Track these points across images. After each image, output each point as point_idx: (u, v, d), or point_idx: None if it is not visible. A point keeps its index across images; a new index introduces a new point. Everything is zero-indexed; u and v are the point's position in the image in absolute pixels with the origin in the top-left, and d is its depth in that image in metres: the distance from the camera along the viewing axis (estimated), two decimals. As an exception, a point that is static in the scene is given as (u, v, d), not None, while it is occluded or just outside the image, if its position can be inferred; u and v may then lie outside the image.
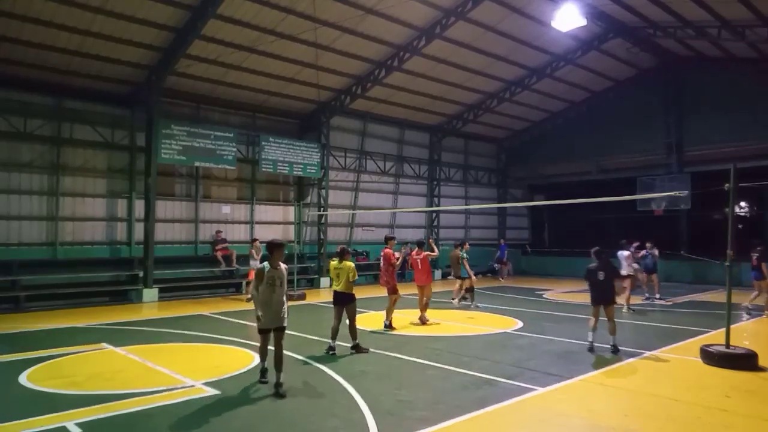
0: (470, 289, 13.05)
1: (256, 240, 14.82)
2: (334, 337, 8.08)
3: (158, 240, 14.84)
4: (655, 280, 14.14)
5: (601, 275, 8.14)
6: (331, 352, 7.94)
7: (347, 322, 8.12)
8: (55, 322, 10.78)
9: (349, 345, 8.15)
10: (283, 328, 6.33)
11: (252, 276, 14.39)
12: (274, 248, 6.32)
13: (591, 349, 8.08)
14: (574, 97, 22.43)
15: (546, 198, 24.15)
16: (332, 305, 8.23)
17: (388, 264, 10.18)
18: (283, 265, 6.33)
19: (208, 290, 15.90)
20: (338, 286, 8.10)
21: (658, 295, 14.25)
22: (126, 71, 13.90)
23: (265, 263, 6.27)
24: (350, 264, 8.10)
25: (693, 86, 20.11)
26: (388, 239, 10.62)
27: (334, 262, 8.27)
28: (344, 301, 8.08)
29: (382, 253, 10.56)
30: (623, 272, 12.54)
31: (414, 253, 11.26)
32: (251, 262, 14.14)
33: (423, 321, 10.68)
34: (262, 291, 6.17)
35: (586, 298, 15.18)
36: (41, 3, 11.13)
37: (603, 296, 8.17)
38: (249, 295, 14.54)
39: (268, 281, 6.16)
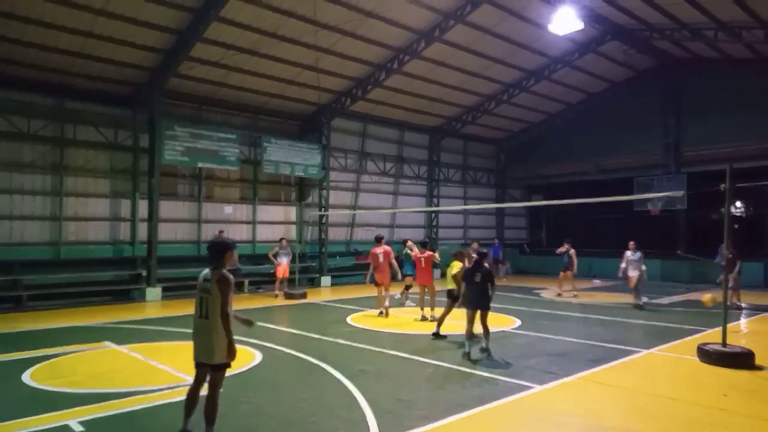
0: (408, 287, 13.16)
1: (283, 239, 15.51)
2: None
3: (161, 239, 14.90)
4: (570, 276, 15.42)
5: (477, 277, 7.68)
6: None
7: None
8: (58, 321, 10.84)
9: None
10: (221, 366, 4.42)
11: (281, 273, 14.85)
12: (213, 249, 4.61)
13: (469, 357, 7.56)
14: (571, 99, 22.50)
15: (544, 198, 24.21)
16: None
17: (388, 260, 11.37)
18: (219, 272, 4.45)
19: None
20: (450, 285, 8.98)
21: (568, 290, 15.47)
22: (128, 73, 13.97)
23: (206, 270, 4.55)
24: (456, 264, 8.89)
25: (690, 87, 20.19)
26: (380, 238, 11.84)
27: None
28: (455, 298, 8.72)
29: (383, 251, 11.50)
30: (630, 273, 12.86)
31: (419, 252, 11.58)
32: (279, 259, 14.97)
33: (434, 319, 10.88)
34: (195, 305, 4.48)
35: (584, 298, 15.32)
36: (43, 4, 11.20)
37: (479, 300, 7.70)
38: (276, 292, 14.80)
39: (198, 292, 4.47)
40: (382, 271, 11.42)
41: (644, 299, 13.13)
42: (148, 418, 5.26)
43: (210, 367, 4.40)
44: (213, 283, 4.35)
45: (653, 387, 6.31)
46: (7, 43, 12.06)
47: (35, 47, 12.33)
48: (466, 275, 7.95)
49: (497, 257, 21.50)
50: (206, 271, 4.51)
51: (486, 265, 7.97)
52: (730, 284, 12.78)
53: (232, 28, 13.27)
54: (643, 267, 12.84)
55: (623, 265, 13.14)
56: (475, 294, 7.79)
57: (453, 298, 8.90)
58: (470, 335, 7.79)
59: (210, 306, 4.35)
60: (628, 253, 13.10)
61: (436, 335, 9.00)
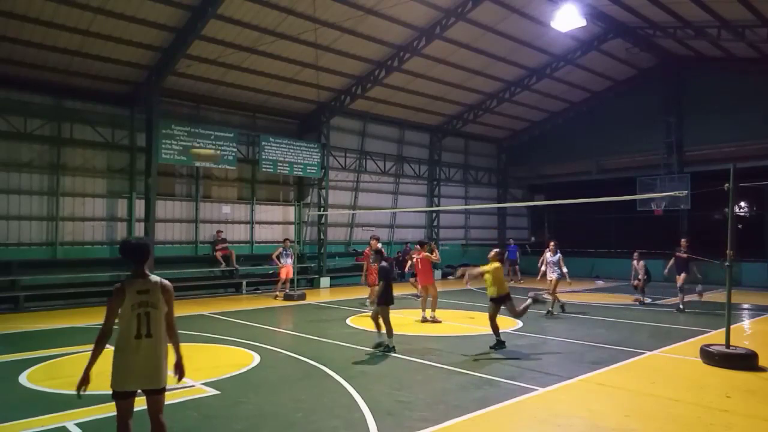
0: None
1: (287, 240, 15.46)
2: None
3: (158, 240, 14.86)
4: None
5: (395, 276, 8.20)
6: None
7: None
8: (55, 322, 10.78)
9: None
10: (163, 390, 3.84)
11: (285, 274, 14.71)
12: (146, 250, 3.84)
13: (379, 347, 7.99)
14: (574, 97, 22.43)
15: (546, 198, 24.15)
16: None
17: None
18: (158, 280, 3.79)
19: (208, 290, 15.91)
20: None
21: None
22: (126, 71, 13.90)
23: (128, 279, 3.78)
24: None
25: (693, 86, 20.10)
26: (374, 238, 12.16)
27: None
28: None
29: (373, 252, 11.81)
30: (554, 276, 11.96)
31: (416, 253, 11.76)
32: (284, 260, 14.91)
33: (434, 320, 10.92)
34: (123, 323, 3.68)
35: (585, 298, 15.26)
36: (41, 3, 11.14)
37: (391, 297, 8.11)
38: (276, 293, 14.75)
39: (135, 306, 3.68)
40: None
41: (548, 304, 12.22)
42: (145, 419, 5.18)
43: (156, 392, 3.78)
44: (158, 294, 3.71)
45: (655, 388, 6.25)
46: (5, 42, 11.99)
47: (33, 46, 12.26)
48: (390, 274, 8.20)
49: (514, 258, 20.53)
50: (131, 280, 3.71)
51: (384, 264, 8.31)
52: (679, 284, 12.51)
53: (231, 26, 13.20)
54: (565, 269, 12.03)
55: (543, 267, 12.34)
56: (390, 292, 8.09)
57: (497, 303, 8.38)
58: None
59: (154, 322, 3.69)
60: (548, 254, 12.26)
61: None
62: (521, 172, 25.55)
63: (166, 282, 3.81)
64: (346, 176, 19.99)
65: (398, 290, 16.06)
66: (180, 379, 3.97)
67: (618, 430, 4.95)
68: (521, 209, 26.79)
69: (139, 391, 3.80)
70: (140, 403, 5.47)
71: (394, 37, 15.50)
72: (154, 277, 3.78)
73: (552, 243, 12.47)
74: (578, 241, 22.76)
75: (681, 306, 12.58)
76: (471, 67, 18.00)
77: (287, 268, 14.88)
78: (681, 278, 12.52)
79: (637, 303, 13.91)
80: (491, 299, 8.31)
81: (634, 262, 13.89)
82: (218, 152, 7.73)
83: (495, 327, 8.22)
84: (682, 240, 12.92)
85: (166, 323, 3.81)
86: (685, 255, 12.47)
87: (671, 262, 12.94)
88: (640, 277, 13.83)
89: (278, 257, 14.96)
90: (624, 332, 10.01)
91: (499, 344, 8.17)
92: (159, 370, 3.73)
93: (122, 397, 3.74)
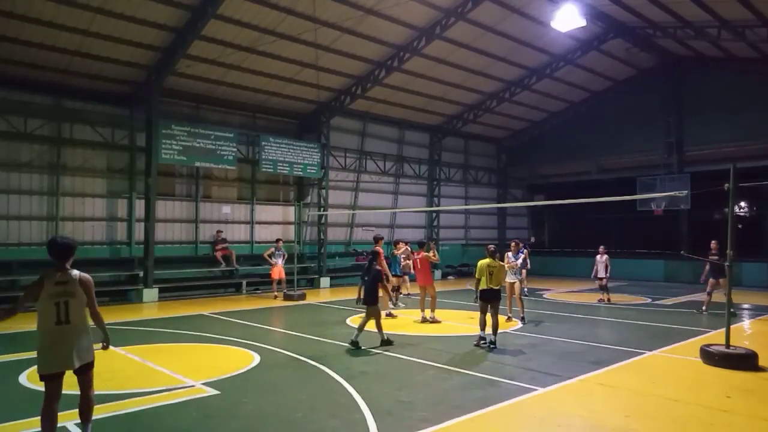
0: (396, 289, 13.26)
1: (279, 240, 15.46)
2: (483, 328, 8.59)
3: (158, 240, 14.84)
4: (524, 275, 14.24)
5: (367, 278, 8.87)
6: (482, 343, 8.45)
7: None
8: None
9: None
10: (91, 365, 4.42)
11: (277, 274, 14.76)
12: (69, 250, 4.40)
13: (356, 345, 8.28)
14: (573, 97, 22.43)
15: (546, 198, 24.14)
16: (481, 301, 8.54)
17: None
18: (77, 273, 4.34)
19: (208, 290, 15.91)
20: (492, 284, 8.46)
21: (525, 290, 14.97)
22: (126, 71, 13.90)
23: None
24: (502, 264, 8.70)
25: (693, 86, 20.11)
26: (378, 239, 11.97)
27: (487, 260, 8.57)
28: (496, 298, 8.51)
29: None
30: (508, 278, 10.52)
31: (415, 253, 11.81)
32: (275, 260, 14.93)
33: (434, 320, 10.87)
34: (44, 311, 4.17)
35: (586, 298, 15.26)
36: (41, 3, 11.13)
37: (366, 297, 8.77)
38: (275, 294, 14.72)
39: (53, 296, 4.17)
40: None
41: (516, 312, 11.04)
42: (145, 420, 5.20)
43: (85, 367, 4.36)
44: (75, 286, 4.26)
45: (655, 388, 6.25)
46: (5, 42, 11.99)
47: (33, 46, 12.26)
48: (363, 273, 9.05)
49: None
50: (49, 273, 4.21)
51: (378, 267, 8.88)
52: (719, 290, 11.53)
53: (231, 26, 13.19)
54: (524, 271, 11.07)
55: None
56: (365, 292, 8.85)
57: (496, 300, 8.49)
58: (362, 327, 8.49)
59: (72, 310, 4.24)
60: (509, 254, 10.82)
61: (482, 340, 8.46)
62: (521, 172, 25.53)
63: (85, 275, 4.35)
64: (346, 176, 19.99)
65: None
66: (105, 349, 4.65)
67: (618, 430, 4.95)
68: (521, 209, 26.78)
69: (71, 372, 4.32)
70: (139, 404, 5.50)
71: (394, 37, 15.49)
72: (74, 272, 4.29)
73: (513, 242, 11.23)
74: (578, 241, 22.78)
75: (703, 309, 12.04)
76: (471, 67, 17.99)
77: (278, 268, 14.88)
78: (714, 282, 11.76)
79: (602, 302, 13.81)
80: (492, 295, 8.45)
81: (598, 256, 13.80)
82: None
83: (495, 325, 8.52)
84: (712, 243, 12.10)
85: (90, 312, 4.41)
86: (716, 257, 11.59)
87: (707, 268, 12.07)
88: (601, 275, 13.85)
89: (270, 256, 14.94)
90: (624, 332, 10.01)
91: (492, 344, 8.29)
92: (77, 352, 4.23)
93: (50, 380, 4.20)
